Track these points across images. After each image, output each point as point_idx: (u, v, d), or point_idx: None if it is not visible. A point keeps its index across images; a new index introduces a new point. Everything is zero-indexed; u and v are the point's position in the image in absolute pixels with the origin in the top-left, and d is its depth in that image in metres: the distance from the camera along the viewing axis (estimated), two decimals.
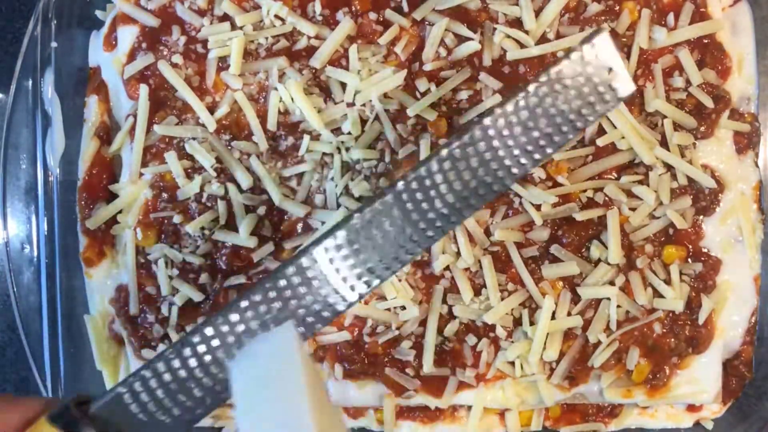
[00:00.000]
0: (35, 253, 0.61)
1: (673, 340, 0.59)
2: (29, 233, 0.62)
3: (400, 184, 0.39)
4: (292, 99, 0.59)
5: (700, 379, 0.60)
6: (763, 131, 0.62)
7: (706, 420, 0.62)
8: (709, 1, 0.61)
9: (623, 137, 0.58)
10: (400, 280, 0.59)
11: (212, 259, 0.60)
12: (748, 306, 0.61)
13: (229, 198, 0.59)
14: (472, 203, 0.40)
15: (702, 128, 0.60)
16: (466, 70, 0.60)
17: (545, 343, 0.58)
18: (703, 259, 0.60)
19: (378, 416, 0.62)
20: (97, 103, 0.64)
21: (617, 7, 0.60)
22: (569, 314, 0.58)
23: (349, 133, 0.59)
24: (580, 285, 0.58)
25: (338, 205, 0.59)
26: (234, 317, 0.39)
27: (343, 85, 0.60)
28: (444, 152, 0.39)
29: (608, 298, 0.58)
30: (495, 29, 0.60)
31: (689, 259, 0.60)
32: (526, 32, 0.60)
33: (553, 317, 0.58)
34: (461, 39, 0.60)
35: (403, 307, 0.59)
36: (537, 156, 0.40)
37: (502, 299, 0.58)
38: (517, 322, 0.59)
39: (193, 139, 0.60)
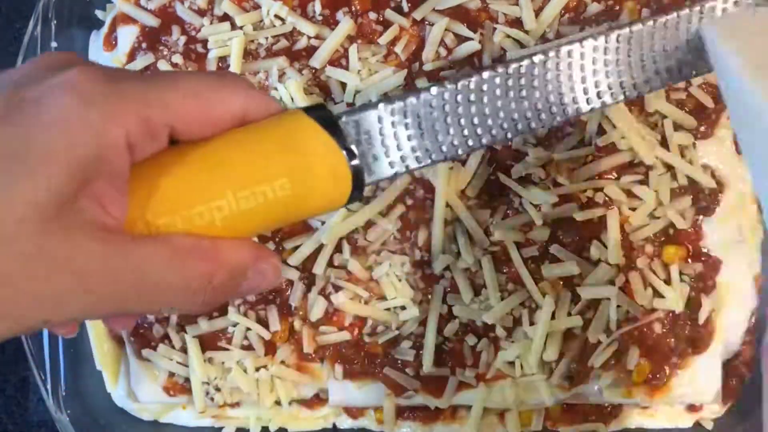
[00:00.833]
0: None
1: (673, 340, 0.59)
2: None
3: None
4: (292, 99, 0.59)
5: (700, 379, 0.60)
6: None
7: (706, 420, 0.62)
8: None
9: (623, 137, 0.58)
10: (400, 280, 0.59)
11: None
12: (748, 306, 0.61)
13: None
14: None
15: (702, 128, 0.60)
16: (466, 70, 0.60)
17: (545, 343, 0.58)
18: (703, 259, 0.60)
19: (378, 416, 0.62)
20: None
21: (617, 7, 0.60)
22: (569, 314, 0.58)
23: None
24: (580, 285, 0.58)
25: None
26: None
27: (343, 85, 0.60)
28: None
29: (608, 298, 0.58)
30: (495, 29, 0.60)
31: (689, 259, 0.60)
32: (526, 32, 0.60)
33: (553, 317, 0.58)
34: (461, 39, 0.60)
35: (403, 307, 0.59)
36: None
37: (502, 299, 0.58)
38: (517, 322, 0.59)
39: None
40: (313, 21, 0.61)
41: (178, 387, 0.62)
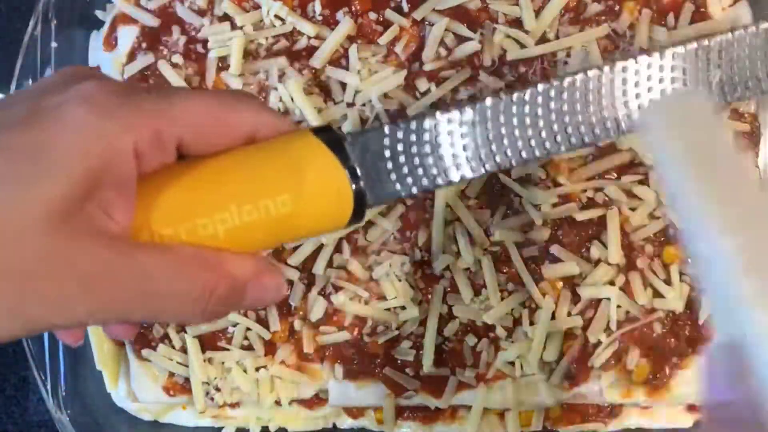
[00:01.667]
0: None
1: (673, 340, 0.59)
2: None
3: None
4: (292, 99, 0.59)
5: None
6: (763, 131, 0.62)
7: None
8: (709, 1, 0.61)
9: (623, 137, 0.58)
10: (400, 280, 0.59)
11: None
12: None
13: None
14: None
15: None
16: (466, 70, 0.60)
17: (545, 343, 0.58)
18: None
19: (378, 416, 0.62)
20: None
21: (617, 7, 0.60)
22: (569, 314, 0.58)
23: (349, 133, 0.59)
24: (580, 285, 0.58)
25: None
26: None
27: (343, 85, 0.60)
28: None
29: (608, 298, 0.58)
30: (495, 29, 0.60)
31: (689, 259, 0.60)
32: (526, 32, 0.60)
33: (553, 317, 0.58)
34: (461, 39, 0.60)
35: (403, 307, 0.59)
36: None
37: (502, 299, 0.58)
38: (517, 322, 0.59)
39: None
40: (313, 21, 0.61)
41: (178, 387, 0.62)
